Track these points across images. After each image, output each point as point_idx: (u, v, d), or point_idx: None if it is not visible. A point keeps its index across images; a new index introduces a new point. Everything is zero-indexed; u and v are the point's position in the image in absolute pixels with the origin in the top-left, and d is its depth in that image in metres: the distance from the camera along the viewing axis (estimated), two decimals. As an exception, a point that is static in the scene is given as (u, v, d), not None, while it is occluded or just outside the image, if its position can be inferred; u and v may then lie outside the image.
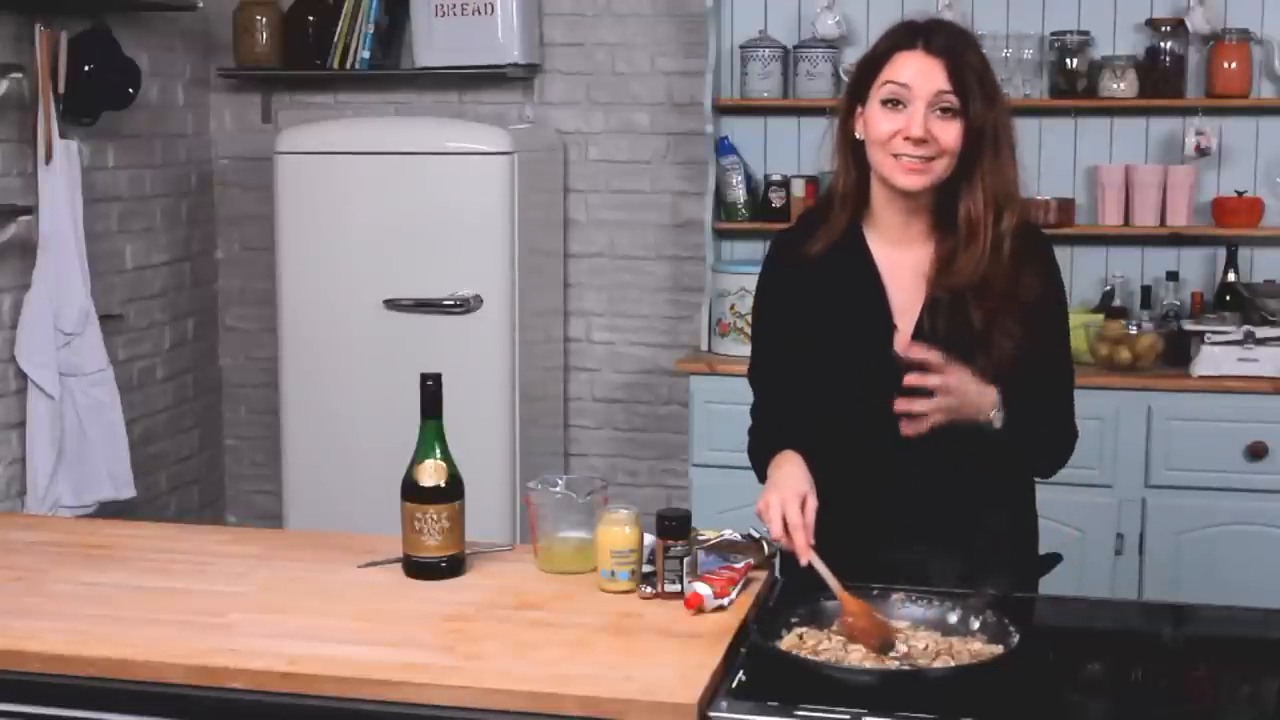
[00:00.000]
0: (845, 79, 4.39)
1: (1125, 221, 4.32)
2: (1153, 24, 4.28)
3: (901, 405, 2.17)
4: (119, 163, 4.51)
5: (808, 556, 2.13)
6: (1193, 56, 4.27)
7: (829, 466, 2.27)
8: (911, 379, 2.16)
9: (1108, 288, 4.37)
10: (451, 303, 4.29)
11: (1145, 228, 4.30)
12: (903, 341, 2.29)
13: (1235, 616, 2.37)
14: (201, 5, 4.55)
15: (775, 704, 1.85)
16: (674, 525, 2.23)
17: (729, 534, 2.38)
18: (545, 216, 4.62)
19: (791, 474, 2.23)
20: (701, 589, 2.16)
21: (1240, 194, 4.28)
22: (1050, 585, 2.46)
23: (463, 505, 2.35)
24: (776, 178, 4.51)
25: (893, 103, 2.21)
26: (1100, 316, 4.21)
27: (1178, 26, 4.23)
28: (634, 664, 1.98)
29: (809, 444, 2.30)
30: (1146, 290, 4.35)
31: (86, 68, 4.10)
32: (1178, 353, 4.10)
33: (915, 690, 1.88)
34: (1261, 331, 3.99)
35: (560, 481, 2.41)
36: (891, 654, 1.99)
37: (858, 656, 1.98)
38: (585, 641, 2.07)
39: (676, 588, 2.21)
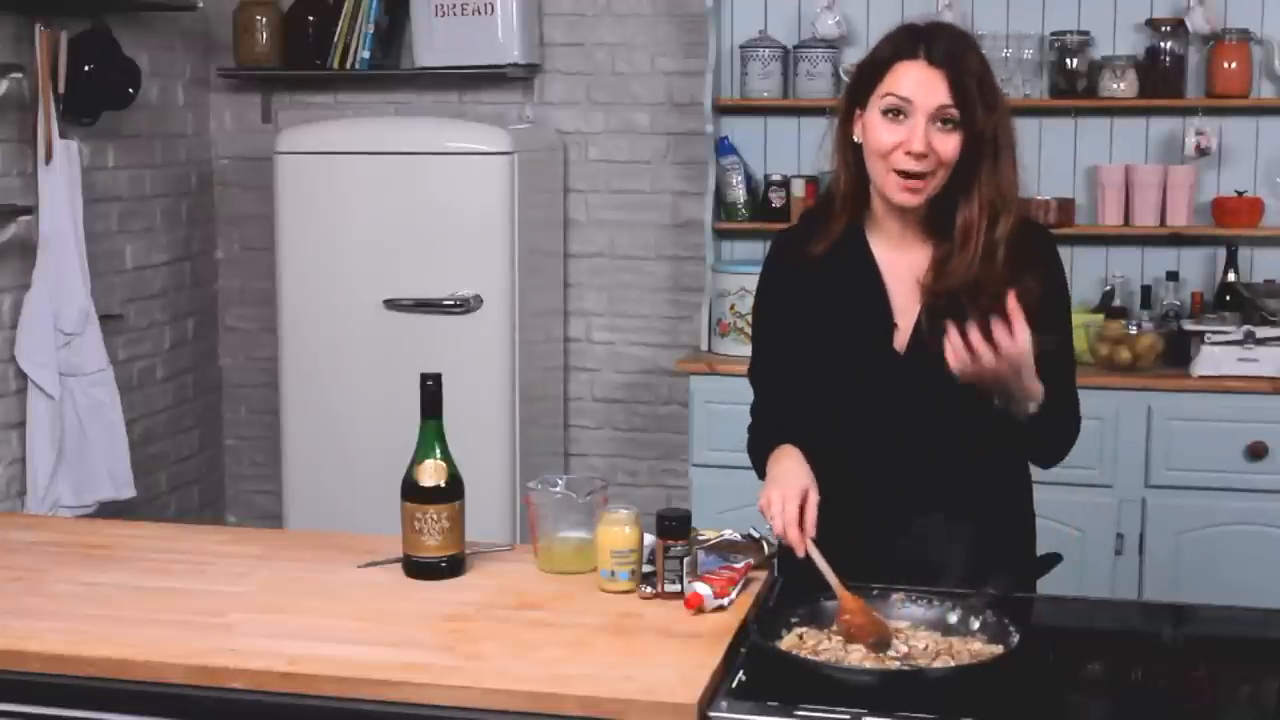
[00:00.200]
0: (845, 79, 4.39)
1: (1125, 221, 4.32)
2: (1153, 24, 4.28)
3: (975, 338, 2.07)
4: (119, 163, 4.51)
5: (803, 550, 2.13)
6: (1193, 56, 4.27)
7: (828, 464, 2.27)
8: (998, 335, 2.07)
9: (1108, 288, 4.37)
10: (451, 303, 4.29)
11: (1145, 228, 4.30)
12: (902, 341, 2.29)
13: (1235, 616, 2.36)
14: (201, 5, 4.55)
15: (775, 704, 1.85)
16: (674, 525, 2.23)
17: (729, 534, 2.38)
18: (545, 216, 4.62)
19: (791, 469, 2.23)
20: (701, 589, 2.16)
21: (1240, 194, 4.28)
22: (1050, 585, 2.46)
23: (463, 505, 2.35)
24: (776, 178, 4.51)
25: (894, 113, 2.21)
26: (1100, 316, 4.21)
27: (1178, 26, 4.23)
28: (634, 664, 1.98)
29: (809, 441, 2.30)
30: (1146, 290, 4.35)
31: (86, 68, 4.10)
32: (1178, 353, 4.10)
33: (915, 690, 1.88)
34: (1261, 331, 3.99)
35: (560, 481, 2.41)
36: (891, 654, 1.99)
37: (858, 656, 1.98)
38: (585, 641, 2.07)
39: (676, 588, 2.21)
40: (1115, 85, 4.24)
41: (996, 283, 2.20)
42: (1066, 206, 4.28)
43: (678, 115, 4.68)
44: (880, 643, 2.00)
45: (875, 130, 2.22)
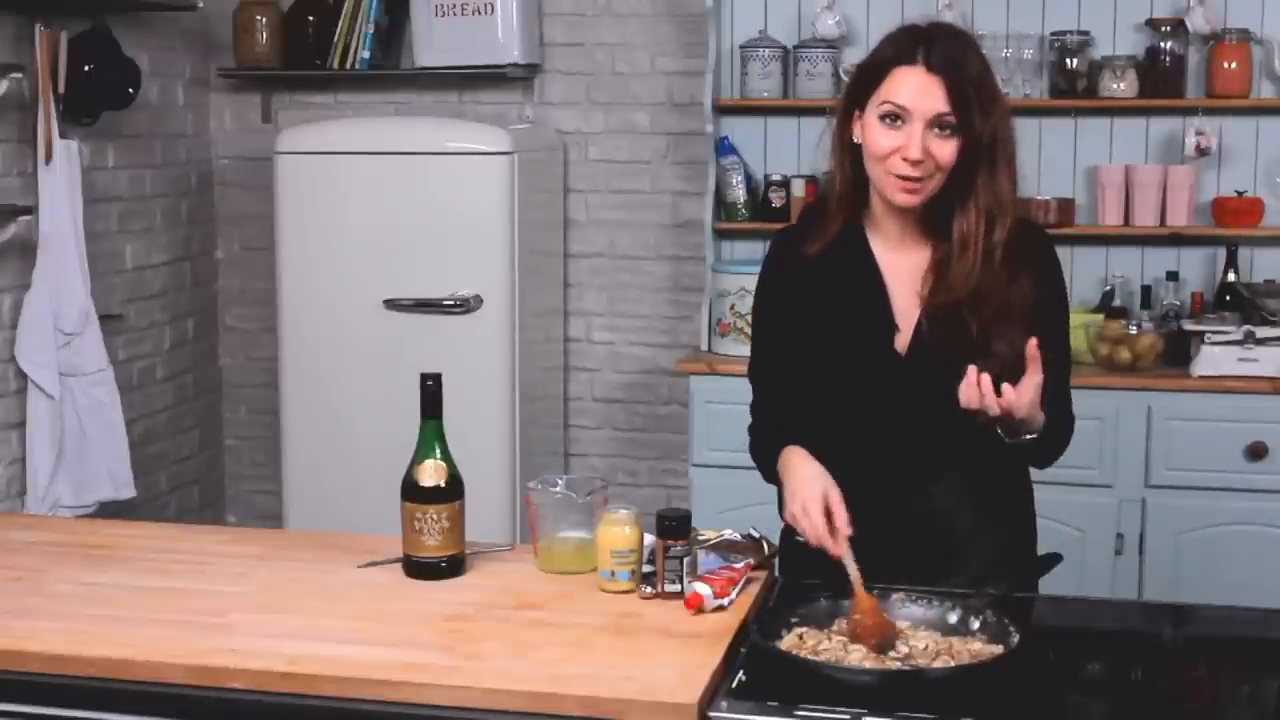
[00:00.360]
0: (845, 79, 4.40)
1: (1125, 221, 4.32)
2: (1153, 24, 4.28)
3: (987, 387, 2.09)
4: (119, 163, 4.51)
5: (839, 553, 2.13)
6: (1193, 56, 4.27)
7: (828, 464, 2.27)
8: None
9: (1108, 288, 4.37)
10: (451, 303, 4.29)
11: (1145, 228, 4.30)
12: (903, 342, 2.29)
13: (1235, 616, 2.37)
14: (201, 5, 4.55)
15: (775, 704, 1.85)
16: (674, 525, 2.23)
17: (729, 534, 2.38)
18: (545, 216, 4.62)
19: (806, 477, 2.22)
20: (701, 589, 2.16)
21: (1240, 194, 4.28)
22: (1050, 585, 2.46)
23: (463, 505, 2.35)
24: (776, 178, 4.51)
25: (891, 119, 2.21)
26: (1100, 316, 4.21)
27: (1178, 26, 4.23)
28: (634, 664, 1.98)
29: (811, 440, 2.30)
30: (1146, 290, 4.35)
31: (86, 68, 4.10)
32: (1178, 353, 4.10)
33: (915, 690, 1.88)
34: (1261, 331, 3.99)
35: (560, 481, 2.41)
36: (891, 654, 1.99)
37: (858, 656, 1.98)
38: (585, 641, 2.07)
39: (676, 588, 2.21)
40: (1115, 85, 4.24)
41: (996, 288, 2.21)
42: (1066, 206, 4.28)
43: (678, 115, 4.68)
44: (883, 645, 2.00)
45: (873, 135, 2.22)
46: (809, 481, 2.20)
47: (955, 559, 2.26)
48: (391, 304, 4.32)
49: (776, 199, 4.49)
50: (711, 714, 1.87)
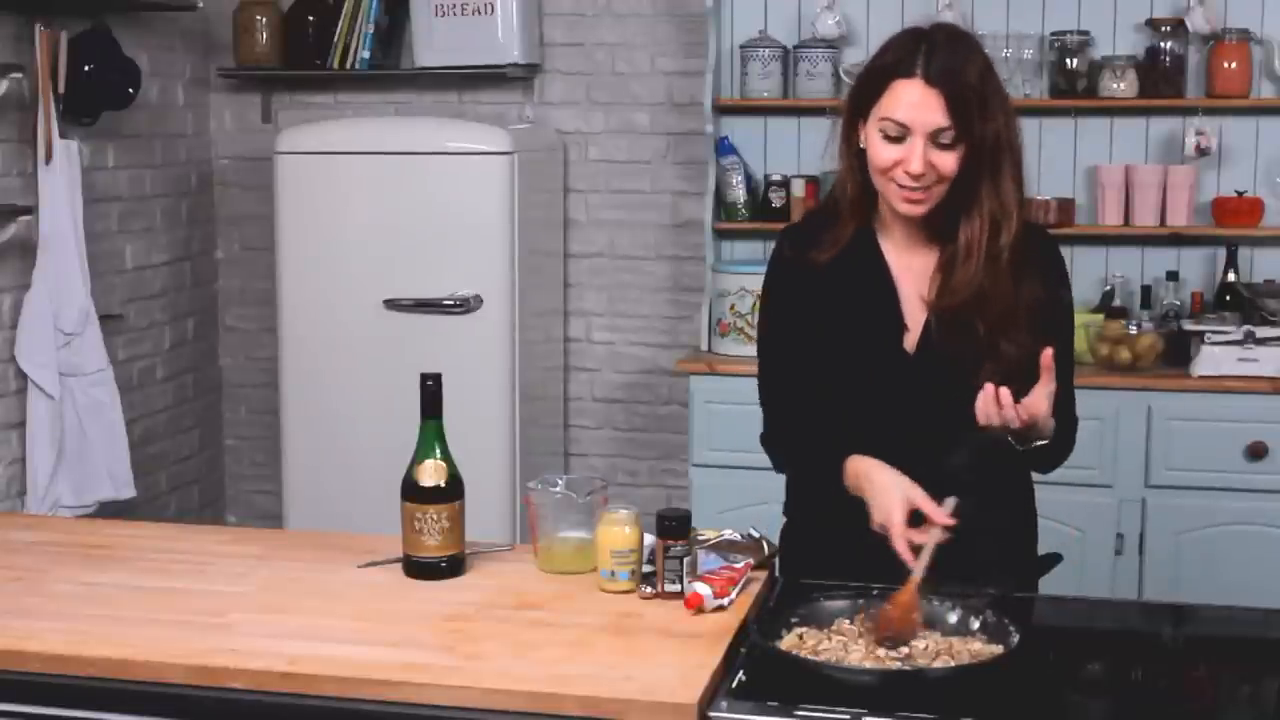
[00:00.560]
0: (845, 79, 4.42)
1: (1125, 221, 4.32)
2: (1153, 24, 4.28)
3: (1006, 400, 2.10)
4: (119, 163, 4.51)
5: (913, 562, 2.11)
6: (1193, 56, 4.27)
7: (838, 461, 2.28)
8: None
9: (1108, 288, 4.37)
10: (451, 303, 4.29)
11: (1145, 228, 4.30)
12: (911, 341, 2.29)
13: (1235, 616, 2.37)
14: (201, 5, 4.55)
15: (775, 704, 1.85)
16: (674, 525, 2.23)
17: (729, 534, 2.38)
18: (545, 216, 4.62)
19: (886, 485, 2.19)
20: (701, 589, 2.16)
21: (1240, 194, 4.28)
22: (1050, 585, 2.46)
23: (463, 505, 2.35)
24: (776, 178, 4.51)
25: (891, 133, 2.20)
26: (1100, 316, 4.21)
27: (1178, 26, 4.23)
28: (634, 664, 1.98)
29: (838, 430, 2.29)
30: (1146, 290, 4.35)
31: (86, 68, 4.10)
32: (1178, 353, 4.10)
33: (915, 690, 1.88)
34: (1261, 331, 3.99)
35: (560, 481, 2.41)
36: (892, 654, 1.99)
37: (858, 656, 1.98)
38: (585, 641, 2.07)
39: (676, 588, 2.21)
40: (1115, 85, 4.24)
41: (1002, 291, 2.21)
42: (1066, 206, 4.28)
43: (678, 115, 4.68)
44: (894, 642, 2.00)
45: (875, 148, 2.23)
46: (889, 489, 2.19)
47: (958, 558, 2.26)
48: (391, 304, 4.32)
49: (776, 199, 4.49)
50: (711, 714, 1.87)
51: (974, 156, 2.19)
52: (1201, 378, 3.98)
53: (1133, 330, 4.11)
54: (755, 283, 4.29)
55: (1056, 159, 4.39)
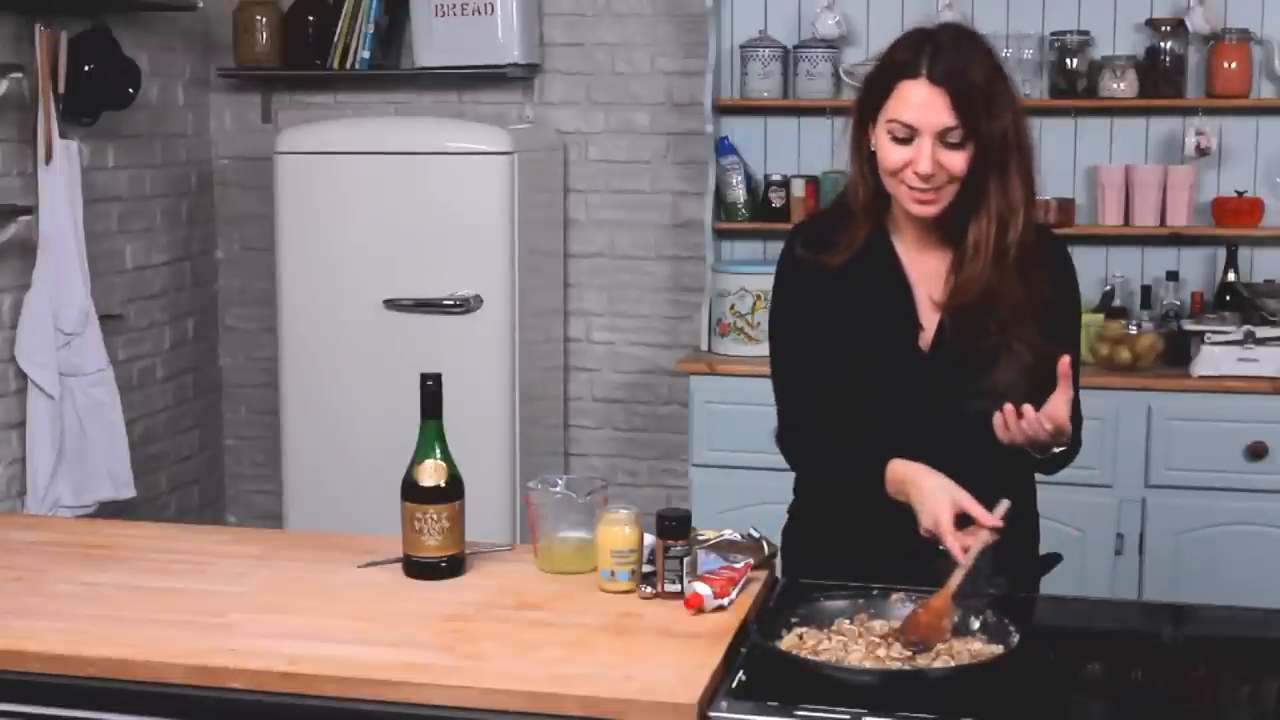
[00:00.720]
0: (845, 79, 4.42)
1: (1125, 221, 4.32)
2: (1153, 24, 4.28)
3: (1030, 415, 2.13)
4: (119, 163, 4.51)
5: (965, 561, 2.11)
6: (1193, 56, 4.27)
7: (857, 460, 2.29)
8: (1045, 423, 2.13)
9: (1108, 288, 4.37)
10: (451, 303, 4.29)
11: (1145, 228, 4.30)
12: (926, 340, 2.30)
13: (1235, 616, 2.37)
14: (201, 5, 4.55)
15: (775, 704, 1.85)
16: (674, 525, 2.23)
17: (729, 534, 2.38)
18: (545, 216, 4.62)
19: (932, 490, 2.18)
20: (701, 589, 2.16)
21: (1240, 194, 4.28)
22: (1050, 585, 2.46)
23: (463, 505, 2.35)
24: (776, 178, 4.51)
25: (899, 134, 2.21)
26: (1100, 316, 4.21)
27: (1178, 26, 4.23)
28: (634, 664, 1.98)
29: (856, 431, 2.29)
30: (1146, 290, 4.35)
31: (86, 68, 4.10)
32: (1178, 353, 4.10)
33: (915, 690, 1.88)
34: (1261, 331, 3.99)
35: (560, 481, 2.41)
36: (891, 654, 1.99)
37: (858, 656, 1.98)
38: (585, 641, 2.07)
39: (676, 588, 2.21)
40: (1115, 85, 4.24)
41: (1011, 289, 2.22)
42: (1066, 206, 4.28)
43: (678, 115, 4.68)
44: (918, 647, 1.99)
45: (884, 150, 2.23)
46: (935, 493, 2.18)
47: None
48: (391, 304, 4.32)
49: (776, 199, 4.49)
50: (711, 714, 1.87)
51: (982, 155, 2.19)
52: (1201, 378, 3.98)
53: (1133, 330, 4.12)
54: (755, 283, 4.34)
55: (1056, 159, 4.38)
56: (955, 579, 2.08)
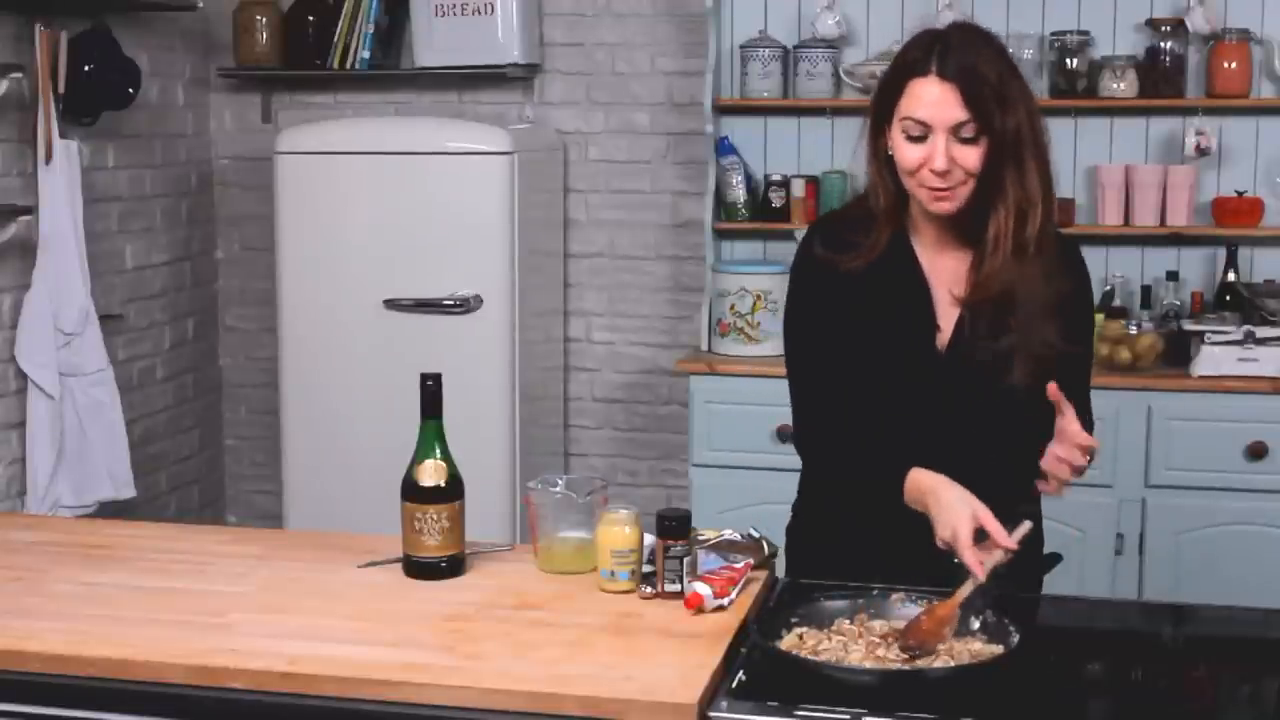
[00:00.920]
0: (845, 79, 4.42)
1: (1125, 221, 4.32)
2: (1153, 24, 4.28)
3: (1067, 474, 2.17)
4: (119, 163, 4.51)
5: (982, 574, 2.11)
6: (1193, 56, 4.27)
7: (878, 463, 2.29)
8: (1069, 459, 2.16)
9: (1108, 288, 4.36)
10: (451, 303, 4.29)
11: (1145, 228, 4.30)
12: (943, 341, 2.30)
13: (1235, 616, 2.37)
14: (201, 5, 4.55)
15: (775, 704, 1.85)
16: (674, 525, 2.23)
17: (729, 534, 2.38)
18: (545, 216, 4.62)
19: (952, 502, 2.18)
20: (701, 589, 2.17)
21: (1240, 194, 4.28)
22: (1050, 585, 2.46)
23: (463, 505, 2.35)
24: (776, 178, 4.51)
25: (913, 132, 2.21)
26: (1100, 316, 4.20)
27: (1178, 26, 4.23)
28: (634, 664, 1.98)
29: (874, 434, 2.30)
30: (1146, 290, 4.35)
31: (86, 68, 4.10)
32: (1178, 353, 4.10)
33: (915, 690, 1.88)
34: (1261, 331, 3.99)
35: (560, 481, 2.41)
36: (891, 654, 1.99)
37: (858, 656, 1.98)
38: (585, 641, 2.07)
39: (676, 588, 2.21)
40: (1115, 85, 4.24)
41: (1031, 285, 2.22)
42: (1066, 206, 4.28)
43: (678, 115, 4.68)
44: (916, 651, 1.99)
45: (900, 150, 2.24)
46: (956, 506, 2.17)
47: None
48: (391, 304, 4.32)
49: (776, 199, 4.49)
50: (711, 714, 1.87)
51: (997, 151, 2.20)
52: (1201, 378, 3.98)
53: (1133, 330, 4.12)
54: (755, 283, 4.34)
55: (1057, 159, 4.32)
56: (964, 590, 2.08)
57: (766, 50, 4.44)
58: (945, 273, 2.32)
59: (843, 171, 4.46)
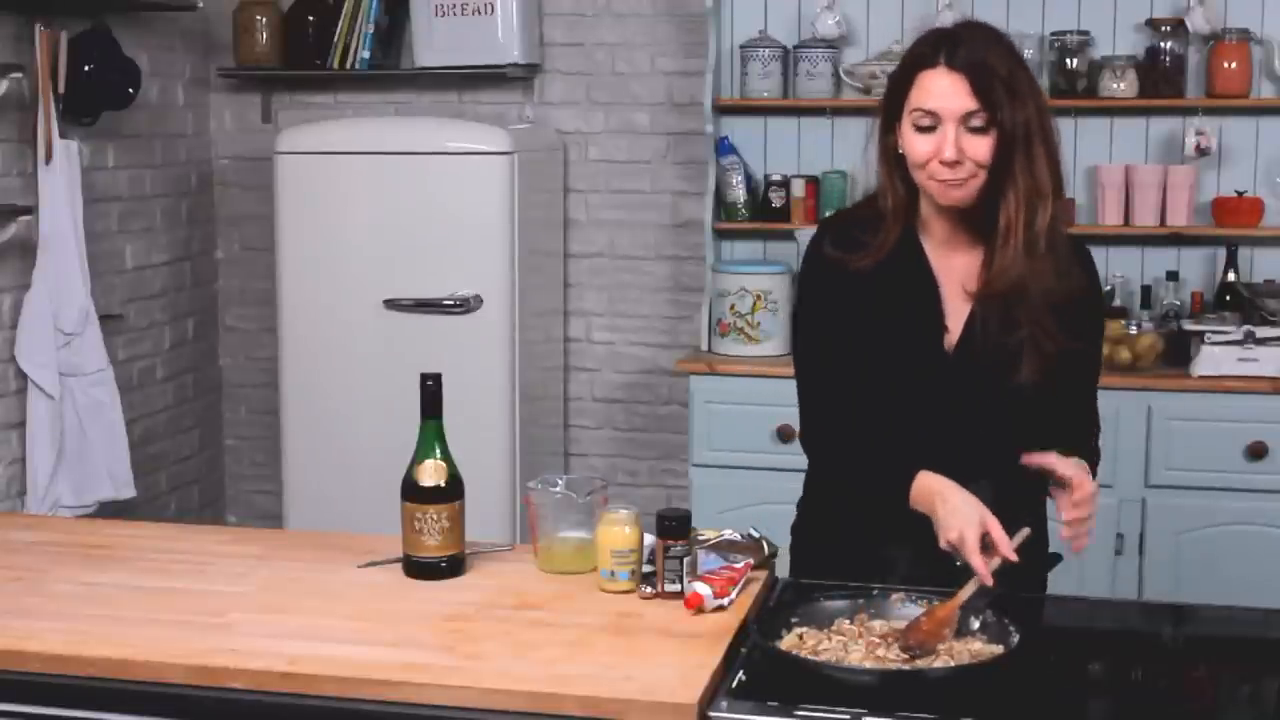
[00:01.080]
0: (845, 79, 4.42)
1: (1125, 221, 4.32)
2: (1153, 24, 4.28)
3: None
4: (119, 163, 4.51)
5: (989, 579, 2.12)
6: (1193, 56, 4.27)
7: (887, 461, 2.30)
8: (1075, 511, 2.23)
9: (1108, 288, 4.36)
10: (451, 303, 4.29)
11: (1145, 228, 4.30)
12: (951, 341, 2.30)
13: (1235, 616, 2.37)
14: (201, 5, 4.55)
15: (775, 704, 1.85)
16: (674, 525, 2.23)
17: (729, 534, 2.38)
18: (545, 216, 4.62)
19: (958, 505, 2.19)
20: (701, 589, 2.17)
21: (1240, 194, 4.28)
22: (1050, 585, 2.46)
23: (463, 505, 2.35)
24: (776, 178, 4.51)
25: (923, 123, 2.21)
26: (1100, 316, 4.21)
27: (1178, 26, 4.23)
28: (634, 664, 1.98)
29: (881, 435, 2.30)
30: (1146, 290, 4.35)
31: (86, 68, 4.10)
32: (1178, 353, 4.10)
33: (915, 690, 1.88)
34: (1261, 331, 3.99)
35: (560, 481, 2.41)
36: (890, 655, 1.99)
37: (858, 656, 1.98)
38: (585, 641, 2.07)
39: (676, 588, 2.21)
40: (1115, 85, 4.24)
41: (1042, 279, 2.22)
42: (1067, 206, 4.27)
43: (678, 115, 4.68)
44: (916, 652, 1.99)
45: (910, 143, 2.24)
46: (961, 510, 2.18)
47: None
48: (391, 304, 4.32)
49: (776, 199, 4.49)
50: (711, 714, 1.87)
51: (1007, 144, 2.20)
52: (1201, 378, 3.98)
53: (1133, 330, 4.12)
54: (755, 283, 4.34)
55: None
56: (966, 592, 2.08)
57: (766, 50, 4.44)
58: (955, 272, 2.32)
59: (843, 171, 4.46)
